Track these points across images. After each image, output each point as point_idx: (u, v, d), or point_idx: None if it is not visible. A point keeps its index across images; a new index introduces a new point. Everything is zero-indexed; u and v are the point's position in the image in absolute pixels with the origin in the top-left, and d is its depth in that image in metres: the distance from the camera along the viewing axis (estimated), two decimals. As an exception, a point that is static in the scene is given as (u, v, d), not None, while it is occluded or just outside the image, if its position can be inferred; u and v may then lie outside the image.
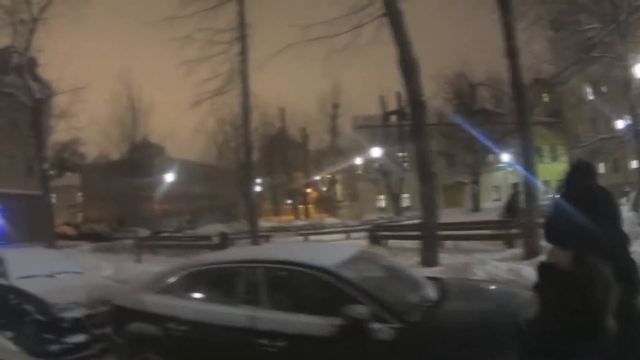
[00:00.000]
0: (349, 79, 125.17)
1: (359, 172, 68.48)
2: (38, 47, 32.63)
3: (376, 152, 56.72)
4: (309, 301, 7.00)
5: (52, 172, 49.78)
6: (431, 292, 7.19)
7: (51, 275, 13.13)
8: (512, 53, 18.31)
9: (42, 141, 30.88)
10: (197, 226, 58.51)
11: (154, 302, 8.15)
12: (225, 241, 30.04)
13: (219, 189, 70.10)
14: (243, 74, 26.42)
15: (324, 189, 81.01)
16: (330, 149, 72.57)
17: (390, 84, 73.11)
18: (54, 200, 50.09)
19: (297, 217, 69.33)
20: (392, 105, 68.11)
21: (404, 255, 19.84)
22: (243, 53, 26.34)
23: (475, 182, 56.93)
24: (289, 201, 78.73)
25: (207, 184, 70.31)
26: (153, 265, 21.61)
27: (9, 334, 11.74)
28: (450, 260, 18.07)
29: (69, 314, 10.72)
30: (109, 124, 64.42)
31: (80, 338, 10.63)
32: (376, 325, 5.89)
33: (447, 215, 34.99)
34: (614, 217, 3.94)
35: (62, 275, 13.44)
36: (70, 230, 58.89)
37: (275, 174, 70.72)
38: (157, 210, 67.95)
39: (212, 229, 44.89)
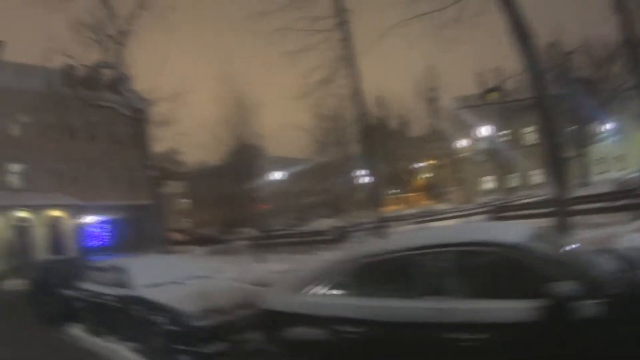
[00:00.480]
0: (444, 60, 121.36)
1: (464, 155, 66.09)
2: (130, 59, 32.51)
3: (482, 131, 54.70)
4: (505, 284, 5.99)
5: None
6: (615, 263, 6.37)
7: (179, 282, 12.57)
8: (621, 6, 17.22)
9: (146, 150, 30.25)
10: (304, 223, 57.65)
11: (314, 302, 7.28)
12: (344, 235, 29.89)
13: (322, 184, 68.74)
14: (349, 60, 25.10)
15: (428, 175, 78.85)
16: (431, 134, 70.46)
17: (486, 60, 69.77)
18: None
19: (403, 207, 66.48)
20: (491, 83, 63.16)
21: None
22: (346, 39, 25.12)
23: (582, 154, 52.23)
24: (392, 191, 76.17)
25: (310, 179, 69.30)
26: (277, 264, 21.55)
27: (133, 345, 11.61)
28: (584, 234, 16.68)
29: (204, 322, 10.17)
30: (216, 126, 63.70)
31: (217, 347, 10.06)
32: (582, 302, 5.18)
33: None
34: None
35: (190, 281, 12.78)
36: (179, 236, 58.90)
37: (377, 164, 67.55)
38: (262, 209, 67.64)
39: (322, 224, 43.83)
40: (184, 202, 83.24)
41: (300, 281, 7.86)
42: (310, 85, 26.72)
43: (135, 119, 30.46)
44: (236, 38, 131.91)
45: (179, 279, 12.66)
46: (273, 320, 7.80)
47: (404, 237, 9.23)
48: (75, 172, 46.44)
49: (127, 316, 11.84)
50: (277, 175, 64.61)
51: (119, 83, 30.64)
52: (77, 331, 14.86)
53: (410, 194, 73.96)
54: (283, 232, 39.92)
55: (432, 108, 70.11)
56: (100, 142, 47.96)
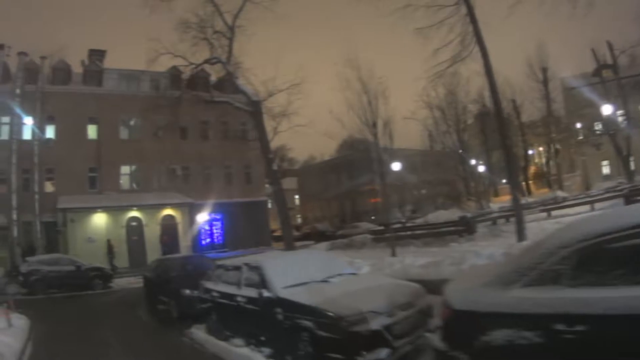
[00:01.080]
0: (551, 38, 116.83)
1: (580, 138, 62.39)
2: (241, 53, 32.18)
3: (599, 112, 51.37)
4: None
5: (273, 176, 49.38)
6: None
7: (324, 281, 11.31)
8: None
9: (266, 143, 29.11)
10: (421, 215, 56.08)
11: (525, 299, 5.66)
12: (472, 225, 29.51)
13: (437, 174, 66.88)
14: (477, 36, 22.74)
15: (543, 161, 75.80)
16: (545, 118, 66.82)
17: (599, 35, 65.45)
18: (269, 205, 53.19)
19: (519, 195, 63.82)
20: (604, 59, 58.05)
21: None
22: (470, 14, 22.88)
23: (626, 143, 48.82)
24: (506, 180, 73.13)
25: (423, 171, 67.53)
26: (416, 258, 19.72)
27: (270, 351, 10.89)
28: None
29: (364, 327, 8.87)
30: (343, 113, 62.98)
31: (381, 354, 8.82)
32: None
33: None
34: None
35: (336, 278, 11.56)
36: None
37: (491, 152, 65.71)
38: (376, 203, 66.68)
39: (441, 215, 42.15)
40: (296, 198, 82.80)
41: (501, 276, 6.26)
42: (441, 64, 24.52)
43: (251, 113, 29.24)
44: (355, 20, 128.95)
45: (323, 277, 11.39)
46: (468, 323, 6.26)
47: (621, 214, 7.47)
48: (188, 170, 47.38)
49: (266, 320, 10.79)
50: (390, 167, 63.23)
51: (233, 77, 29.55)
52: (201, 334, 13.88)
53: (525, 182, 69.40)
54: (406, 225, 38.16)
55: (545, 90, 65.91)
56: (213, 140, 48.34)
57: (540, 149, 74.54)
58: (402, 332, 9.08)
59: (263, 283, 11.23)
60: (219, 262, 15.23)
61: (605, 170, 61.41)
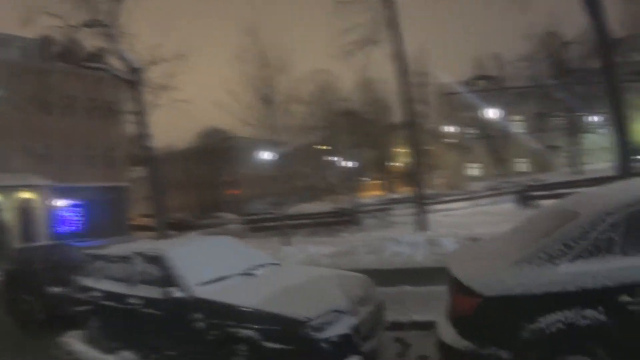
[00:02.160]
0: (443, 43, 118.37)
1: (450, 140, 63.81)
2: (128, 18, 27.41)
3: (479, 116, 54.05)
4: None
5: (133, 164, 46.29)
6: None
7: (248, 273, 8.82)
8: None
9: (144, 117, 25.69)
10: (283, 207, 54.76)
11: (586, 272, 4.99)
12: (355, 216, 30.49)
13: (300, 168, 66.02)
14: (392, 21, 21.23)
15: (410, 161, 76.21)
16: (414, 120, 66.79)
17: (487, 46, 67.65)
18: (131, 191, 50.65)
19: (384, 192, 64.70)
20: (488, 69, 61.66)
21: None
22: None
23: (576, 144, 52.84)
24: (370, 177, 74.46)
25: (288, 164, 66.41)
26: (313, 247, 18.18)
27: None
28: None
29: (332, 332, 6.86)
30: (238, 87, 60.51)
31: None
32: None
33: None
34: None
35: (260, 270, 9.11)
36: (150, 222, 55.63)
37: (357, 149, 65.58)
38: (235, 194, 64.85)
39: (312, 207, 40.87)
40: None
41: (541, 250, 5.31)
42: (350, 44, 23.20)
43: (130, 82, 25.70)
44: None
45: (243, 269, 8.85)
46: (507, 312, 5.24)
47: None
48: (50, 150, 42.69)
49: (176, 329, 7.96)
50: (252, 158, 62.11)
51: (112, 42, 25.88)
52: (79, 345, 10.38)
53: (390, 180, 70.62)
54: (286, 215, 36.57)
55: (420, 93, 66.45)
56: (79, 117, 44.35)
57: (408, 148, 74.85)
58: (367, 333, 7.35)
59: (169, 279, 8.27)
60: (95, 252, 11.59)
61: (473, 171, 64.44)
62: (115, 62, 26.61)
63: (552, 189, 28.58)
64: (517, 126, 57.28)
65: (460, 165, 64.12)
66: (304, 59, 35.81)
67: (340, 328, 6.89)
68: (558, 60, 50.65)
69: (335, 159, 64.73)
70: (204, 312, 7.58)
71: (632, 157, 15.70)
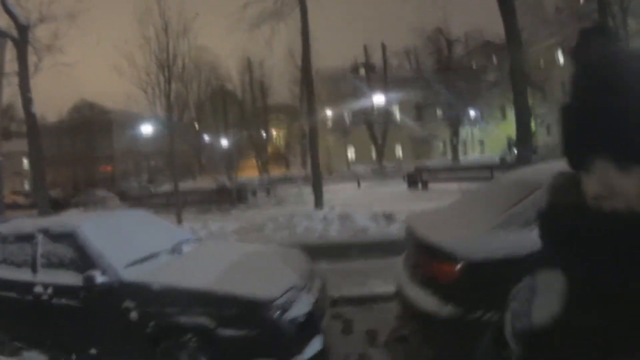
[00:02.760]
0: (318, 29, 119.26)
1: (326, 125, 63.72)
2: None
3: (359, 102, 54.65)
4: None
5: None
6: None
7: (175, 251, 7.44)
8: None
9: (27, 79, 23.55)
10: (156, 184, 53.58)
11: None
12: (242, 193, 30.74)
13: (173, 146, 64.37)
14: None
15: (281, 143, 77.37)
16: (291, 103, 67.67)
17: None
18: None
19: (261, 173, 65.00)
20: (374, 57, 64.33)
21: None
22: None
23: (455, 134, 54.48)
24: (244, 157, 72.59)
25: (158, 141, 65.11)
26: (215, 224, 17.22)
27: None
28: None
29: (297, 311, 5.94)
30: (135, 50, 58.44)
31: (317, 345, 6.02)
32: None
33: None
34: None
35: (187, 247, 7.75)
36: (20, 200, 52.72)
37: (231, 129, 64.82)
38: (107, 171, 62.52)
39: (185, 186, 40.18)
40: (24, 162, 75.23)
41: (515, 216, 5.27)
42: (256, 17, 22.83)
43: (14, 41, 23.43)
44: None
45: (169, 247, 7.48)
46: (490, 274, 5.03)
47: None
48: None
49: (101, 322, 6.41)
50: (127, 133, 59.99)
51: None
52: None
53: (264, 161, 70.45)
54: (169, 192, 35.42)
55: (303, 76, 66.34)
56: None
57: (281, 130, 76.28)
58: (323, 311, 6.59)
59: (87, 260, 6.57)
60: None
61: (350, 155, 66.69)
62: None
63: (437, 174, 31.24)
64: (398, 114, 59.49)
65: (338, 148, 65.03)
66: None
67: (302, 307, 6.04)
68: (442, 56, 53.14)
69: (208, 137, 64.74)
70: (136, 299, 6.15)
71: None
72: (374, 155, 61.04)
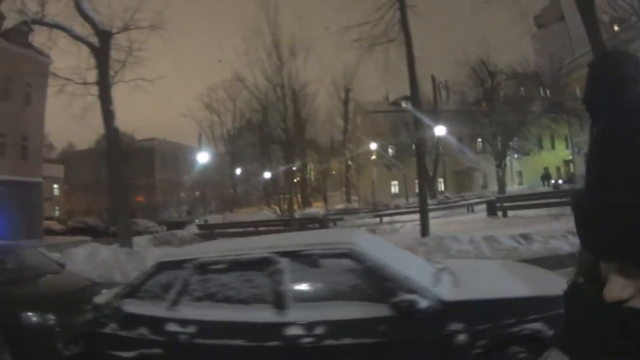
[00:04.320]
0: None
1: (373, 158, 62.66)
2: None
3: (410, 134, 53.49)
4: None
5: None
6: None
7: (447, 270, 6.59)
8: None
9: (108, 88, 21.83)
10: (196, 215, 52.60)
11: None
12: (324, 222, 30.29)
13: (208, 177, 63.19)
14: (403, 22, 20.38)
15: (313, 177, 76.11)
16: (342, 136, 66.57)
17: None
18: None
19: (301, 207, 62.42)
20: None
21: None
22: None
23: (500, 166, 52.57)
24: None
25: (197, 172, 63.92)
26: None
27: None
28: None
29: None
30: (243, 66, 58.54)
31: None
32: None
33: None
34: None
35: (449, 265, 6.86)
36: (55, 225, 51.39)
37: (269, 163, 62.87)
38: (147, 200, 61.33)
39: (217, 218, 39.27)
40: (57, 188, 73.61)
41: None
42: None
43: (94, 48, 21.66)
44: None
45: (435, 267, 6.53)
46: None
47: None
48: None
49: (419, 353, 5.25)
50: (166, 163, 58.85)
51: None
52: None
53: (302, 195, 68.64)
54: (246, 222, 34.54)
55: (345, 109, 66.08)
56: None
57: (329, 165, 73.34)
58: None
59: (386, 284, 5.42)
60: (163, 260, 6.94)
61: (395, 189, 66.17)
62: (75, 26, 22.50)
63: (517, 201, 31.48)
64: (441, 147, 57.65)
65: (382, 182, 63.46)
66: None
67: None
68: (485, 87, 52.81)
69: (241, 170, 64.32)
70: (463, 319, 5.17)
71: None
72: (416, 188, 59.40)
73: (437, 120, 49.28)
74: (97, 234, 42.75)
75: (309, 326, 5.24)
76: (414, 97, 22.29)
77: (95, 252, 17.71)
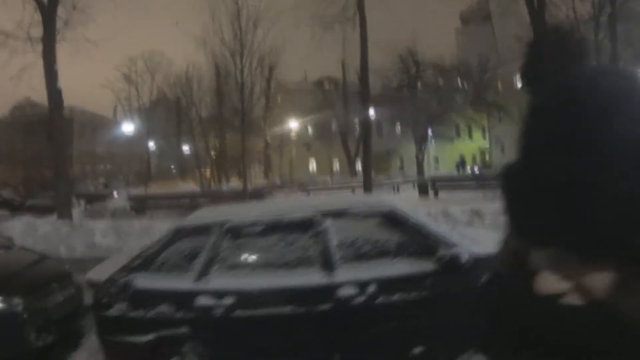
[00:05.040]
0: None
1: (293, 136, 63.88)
2: None
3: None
4: None
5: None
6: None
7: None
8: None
9: (53, 49, 20.70)
10: (112, 188, 51.33)
11: None
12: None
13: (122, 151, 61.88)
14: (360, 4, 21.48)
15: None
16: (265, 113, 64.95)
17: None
18: None
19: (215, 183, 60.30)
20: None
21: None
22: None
23: (420, 151, 53.64)
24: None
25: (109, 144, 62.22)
26: None
27: None
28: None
29: None
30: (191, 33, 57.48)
31: None
32: None
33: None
34: None
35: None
36: None
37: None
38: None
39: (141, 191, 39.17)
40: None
41: None
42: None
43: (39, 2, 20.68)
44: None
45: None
46: None
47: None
48: None
49: (461, 305, 5.13)
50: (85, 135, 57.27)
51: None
52: None
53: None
54: (192, 193, 33.88)
55: (267, 87, 64.59)
56: None
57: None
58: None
59: (427, 240, 5.60)
60: (185, 225, 6.42)
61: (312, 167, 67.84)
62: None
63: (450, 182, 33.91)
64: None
65: (300, 160, 65.17)
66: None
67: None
68: (410, 75, 53.15)
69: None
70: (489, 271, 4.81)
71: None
72: (335, 167, 63.18)
73: (351, 103, 51.22)
74: (13, 207, 40.47)
75: (361, 285, 5.26)
76: (364, 80, 22.50)
77: (34, 226, 17.03)
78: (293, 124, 58.94)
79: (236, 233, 5.64)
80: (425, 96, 51.14)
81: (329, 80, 63.92)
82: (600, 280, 1.25)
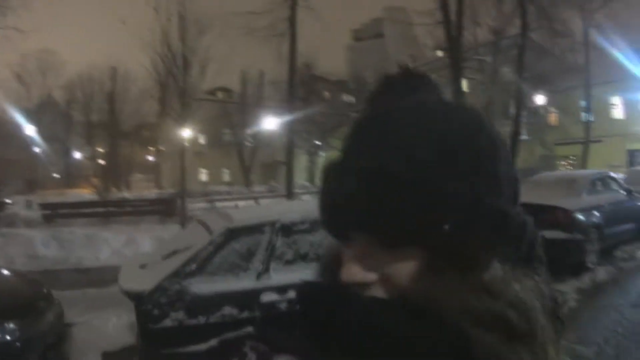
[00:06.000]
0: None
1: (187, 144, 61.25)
2: None
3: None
4: None
5: None
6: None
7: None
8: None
9: None
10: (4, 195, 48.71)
11: None
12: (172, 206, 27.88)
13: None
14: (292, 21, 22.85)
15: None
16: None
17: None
18: None
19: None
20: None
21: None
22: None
23: (312, 162, 57.24)
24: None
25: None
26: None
27: None
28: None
29: None
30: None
31: None
32: None
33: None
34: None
35: None
36: None
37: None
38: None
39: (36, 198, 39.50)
40: None
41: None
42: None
43: None
44: None
45: None
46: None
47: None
48: None
49: None
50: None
51: None
52: None
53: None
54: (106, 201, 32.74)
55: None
56: None
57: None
58: None
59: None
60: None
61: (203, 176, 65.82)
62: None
63: None
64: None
65: (191, 169, 62.44)
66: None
67: None
68: (306, 89, 53.91)
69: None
70: None
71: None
72: (226, 177, 63.20)
73: (249, 114, 53.92)
74: None
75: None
76: (291, 91, 22.83)
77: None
78: (186, 133, 58.12)
79: (287, 231, 5.93)
80: (319, 109, 52.15)
81: (223, 90, 64.25)
82: (405, 270, 1.10)
